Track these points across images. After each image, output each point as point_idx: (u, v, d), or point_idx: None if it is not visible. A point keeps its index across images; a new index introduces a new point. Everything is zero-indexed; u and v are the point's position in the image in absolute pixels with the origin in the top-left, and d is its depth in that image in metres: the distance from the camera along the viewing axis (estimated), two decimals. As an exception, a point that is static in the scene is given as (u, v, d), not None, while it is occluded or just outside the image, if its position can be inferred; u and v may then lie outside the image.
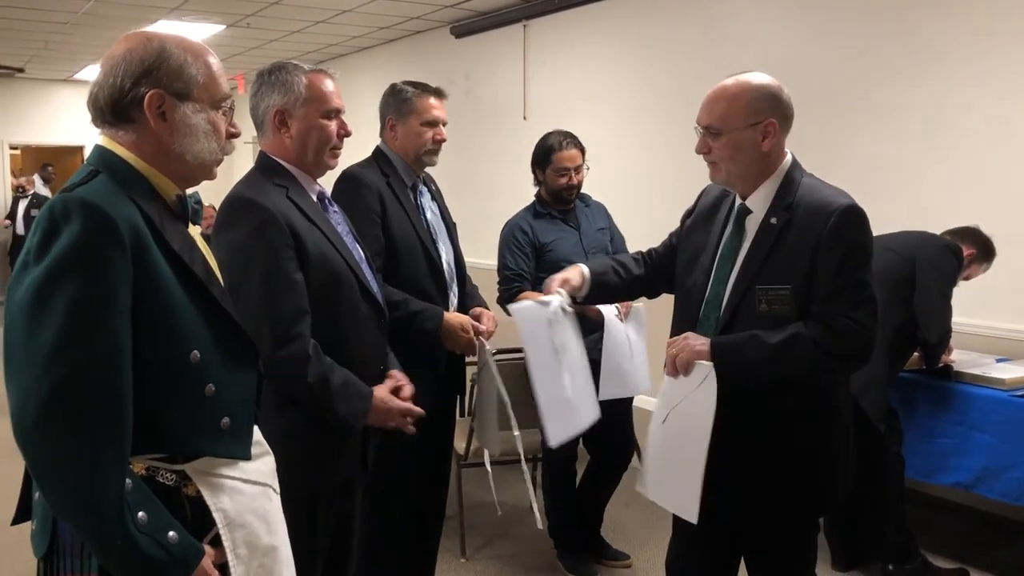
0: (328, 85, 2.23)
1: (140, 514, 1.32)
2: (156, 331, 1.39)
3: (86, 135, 11.96)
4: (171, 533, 1.36)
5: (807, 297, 2.01)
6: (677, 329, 2.25)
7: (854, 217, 2.03)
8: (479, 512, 4.08)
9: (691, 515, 2.06)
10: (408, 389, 2.27)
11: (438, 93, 2.89)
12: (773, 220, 2.07)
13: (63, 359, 1.27)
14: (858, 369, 2.12)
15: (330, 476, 2.16)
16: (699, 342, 2.07)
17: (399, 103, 2.85)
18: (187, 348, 1.43)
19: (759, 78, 2.12)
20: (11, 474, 5.13)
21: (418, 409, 2.24)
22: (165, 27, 7.44)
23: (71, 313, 1.28)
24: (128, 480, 1.33)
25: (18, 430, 1.29)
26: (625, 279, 2.47)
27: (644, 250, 2.55)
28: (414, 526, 2.92)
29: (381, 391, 2.20)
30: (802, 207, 2.05)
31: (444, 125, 2.89)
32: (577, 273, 2.41)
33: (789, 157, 2.15)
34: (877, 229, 3.57)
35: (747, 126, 2.06)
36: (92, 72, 10.69)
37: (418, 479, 2.87)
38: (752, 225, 2.13)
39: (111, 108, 1.45)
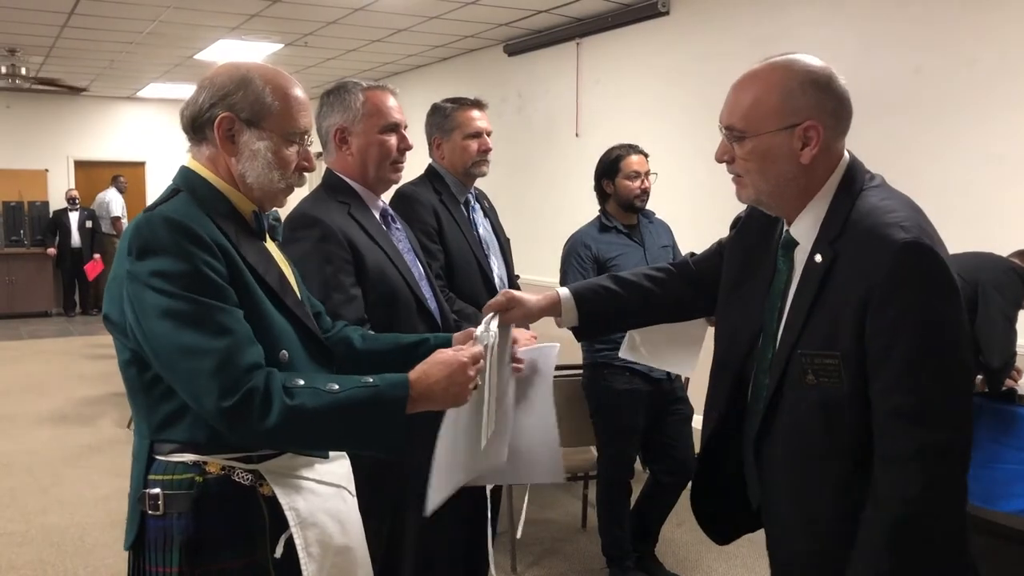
0: (387, 100, 2.26)
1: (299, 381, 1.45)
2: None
3: (148, 151, 12.29)
4: (332, 384, 1.46)
5: (862, 367, 1.44)
6: (717, 371, 1.77)
7: (914, 258, 1.40)
8: (530, 529, 4.07)
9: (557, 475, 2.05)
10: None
11: (477, 104, 2.91)
12: (817, 258, 1.52)
13: (205, 340, 1.39)
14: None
15: (378, 493, 2.16)
16: None
17: (441, 121, 2.89)
18: (277, 347, 1.51)
19: (802, 62, 1.54)
20: (78, 479, 5.27)
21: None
22: (226, 46, 7.62)
23: (192, 305, 1.40)
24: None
25: (207, 412, 1.40)
26: (633, 299, 1.89)
27: (673, 261, 2.08)
28: (466, 544, 2.92)
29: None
30: (851, 240, 1.48)
31: (489, 135, 2.90)
32: (543, 300, 1.86)
33: (844, 165, 1.57)
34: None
35: (779, 129, 1.51)
36: (154, 90, 10.96)
37: (468, 497, 2.86)
38: (800, 262, 1.58)
39: (191, 125, 1.58)
